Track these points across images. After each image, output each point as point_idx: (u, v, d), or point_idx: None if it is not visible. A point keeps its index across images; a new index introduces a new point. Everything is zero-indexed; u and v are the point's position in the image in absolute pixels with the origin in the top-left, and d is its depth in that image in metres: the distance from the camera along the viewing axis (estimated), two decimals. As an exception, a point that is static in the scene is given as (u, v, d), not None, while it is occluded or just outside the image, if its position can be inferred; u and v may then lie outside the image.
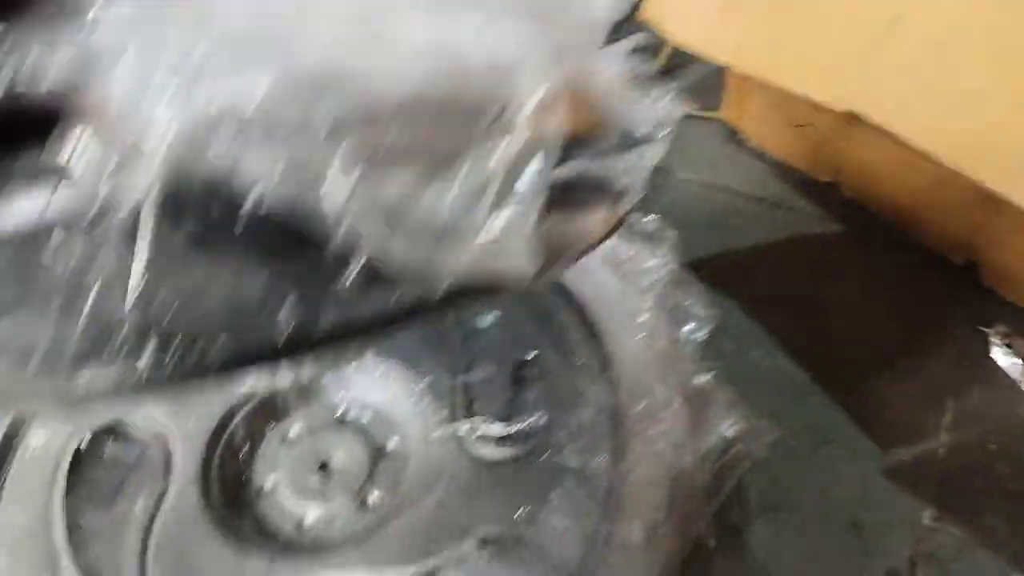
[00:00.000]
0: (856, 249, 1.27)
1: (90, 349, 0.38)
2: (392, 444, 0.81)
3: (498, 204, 0.39)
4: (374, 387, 0.84)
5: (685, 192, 1.35)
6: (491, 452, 0.73)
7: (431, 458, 0.75)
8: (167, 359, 0.38)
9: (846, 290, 1.21)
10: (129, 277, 0.37)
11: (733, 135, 1.44)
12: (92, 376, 0.39)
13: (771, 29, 1.19)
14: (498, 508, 0.67)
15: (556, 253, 0.45)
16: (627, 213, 0.56)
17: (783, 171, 1.37)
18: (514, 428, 0.74)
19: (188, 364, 0.39)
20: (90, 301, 0.37)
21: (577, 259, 0.50)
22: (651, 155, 0.56)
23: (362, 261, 0.39)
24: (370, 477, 0.77)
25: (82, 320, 0.37)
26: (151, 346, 0.38)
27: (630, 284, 0.78)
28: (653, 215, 0.85)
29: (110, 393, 0.39)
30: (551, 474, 0.68)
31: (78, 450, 0.76)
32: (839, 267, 1.25)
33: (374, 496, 0.76)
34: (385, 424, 0.82)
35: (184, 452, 0.76)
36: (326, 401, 0.84)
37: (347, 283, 0.39)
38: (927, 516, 0.95)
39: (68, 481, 0.74)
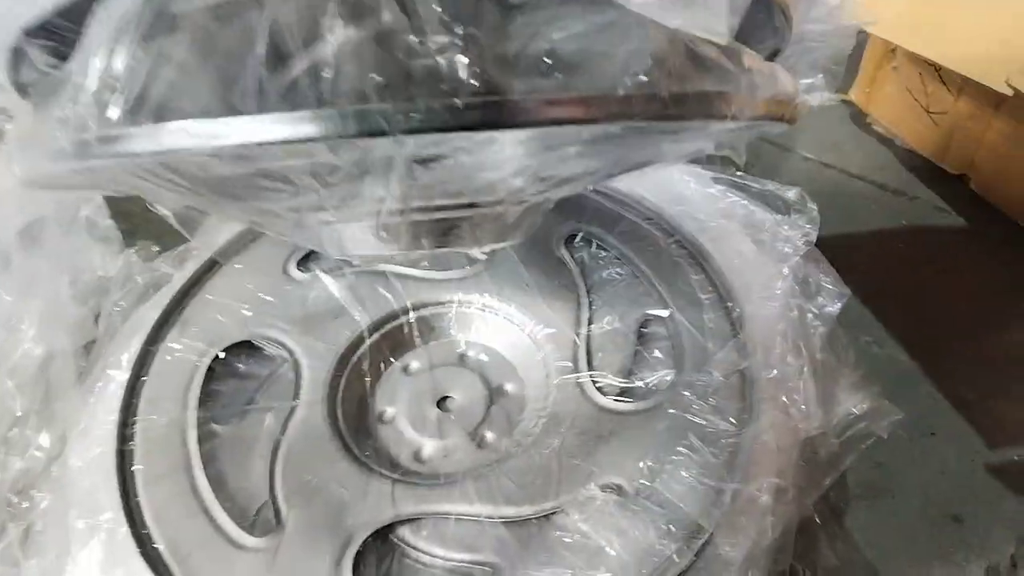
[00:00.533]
0: (977, 245, 1.23)
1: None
2: (510, 387, 0.83)
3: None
4: (496, 331, 0.86)
5: (806, 171, 1.32)
6: (613, 403, 0.74)
7: (551, 404, 0.77)
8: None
9: (963, 286, 1.18)
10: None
11: (861, 118, 1.40)
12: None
13: (935, 1, 1.14)
14: (621, 457, 0.68)
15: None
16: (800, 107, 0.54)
17: (910, 159, 1.33)
18: (638, 383, 0.75)
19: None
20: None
21: (757, 113, 0.47)
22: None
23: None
24: (486, 417, 0.79)
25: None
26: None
27: (767, 251, 0.78)
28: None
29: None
30: (677, 430, 0.68)
31: (214, 361, 0.80)
32: (958, 262, 1.22)
33: (490, 436, 0.78)
34: (505, 367, 0.84)
35: (312, 372, 0.79)
36: (448, 339, 0.87)
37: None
38: (1031, 518, 0.93)
39: (203, 391, 0.78)
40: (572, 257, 0.88)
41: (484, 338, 0.87)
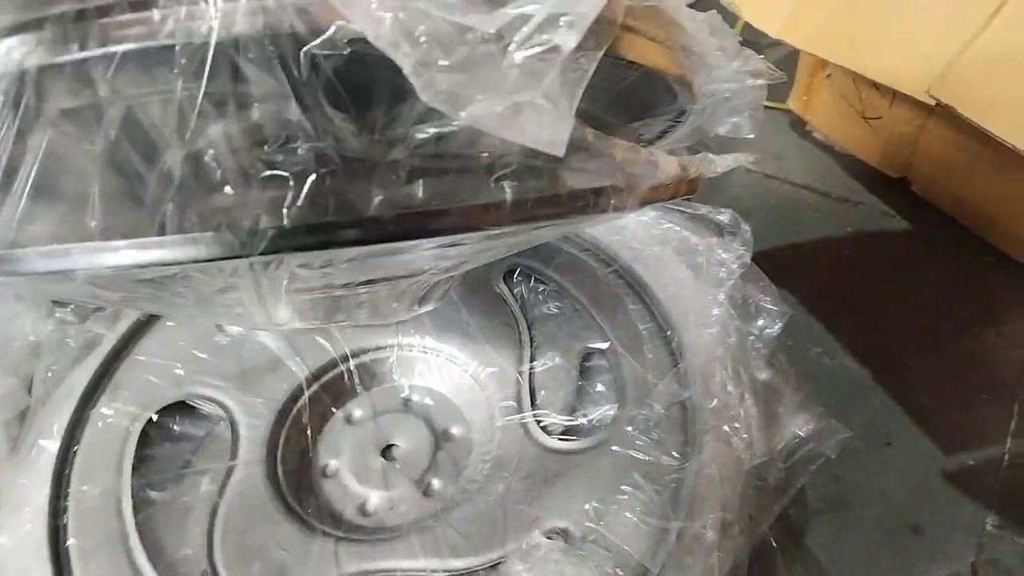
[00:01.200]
0: (923, 248, 1.24)
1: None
2: (456, 430, 0.81)
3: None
4: (440, 373, 0.84)
5: (750, 183, 1.33)
6: (558, 443, 0.73)
7: (496, 446, 0.75)
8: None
9: (912, 290, 1.18)
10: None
11: (801, 126, 1.41)
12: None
13: (856, 14, 1.15)
14: (566, 500, 0.67)
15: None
16: (696, 181, 0.55)
17: (851, 165, 1.34)
18: (581, 420, 0.74)
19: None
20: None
21: (642, 201, 0.47)
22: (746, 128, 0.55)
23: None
24: (433, 464, 0.78)
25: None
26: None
27: (703, 277, 0.77)
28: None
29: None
30: (621, 468, 0.67)
31: (148, 424, 0.77)
32: (905, 266, 1.22)
33: (436, 483, 0.76)
34: (450, 410, 0.82)
35: (250, 430, 0.77)
36: (391, 385, 0.85)
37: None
38: (990, 523, 0.93)
39: (137, 456, 0.75)
40: (511, 292, 0.87)
41: (428, 381, 0.85)
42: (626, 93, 0.50)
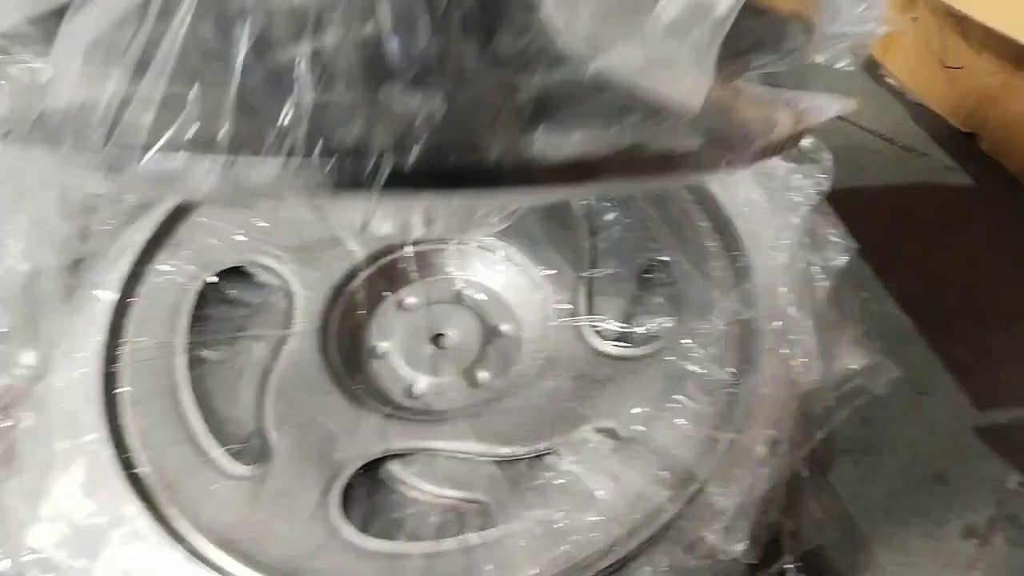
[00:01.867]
0: (983, 205, 1.22)
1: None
2: (507, 327, 0.81)
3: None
4: (494, 270, 0.84)
5: (815, 121, 1.30)
6: (612, 348, 0.73)
7: (547, 345, 0.76)
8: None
9: (966, 245, 1.17)
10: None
11: (875, 70, 1.37)
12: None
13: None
14: (615, 403, 0.68)
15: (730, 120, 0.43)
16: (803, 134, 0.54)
17: (920, 115, 1.31)
18: (637, 329, 0.74)
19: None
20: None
21: (753, 158, 0.47)
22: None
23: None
24: (481, 356, 0.78)
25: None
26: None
27: (777, 201, 0.76)
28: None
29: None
30: (674, 377, 0.67)
31: (205, 286, 0.78)
32: (963, 220, 1.20)
33: (484, 375, 0.77)
34: (502, 308, 0.83)
35: (306, 302, 0.77)
36: (445, 276, 0.85)
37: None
38: (1013, 481, 0.94)
39: (193, 315, 0.76)
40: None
41: (482, 277, 0.85)
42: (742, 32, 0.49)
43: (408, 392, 0.76)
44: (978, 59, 1.16)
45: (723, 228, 0.78)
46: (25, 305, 0.77)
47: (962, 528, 0.91)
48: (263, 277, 0.80)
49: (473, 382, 0.76)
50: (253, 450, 0.66)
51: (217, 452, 0.65)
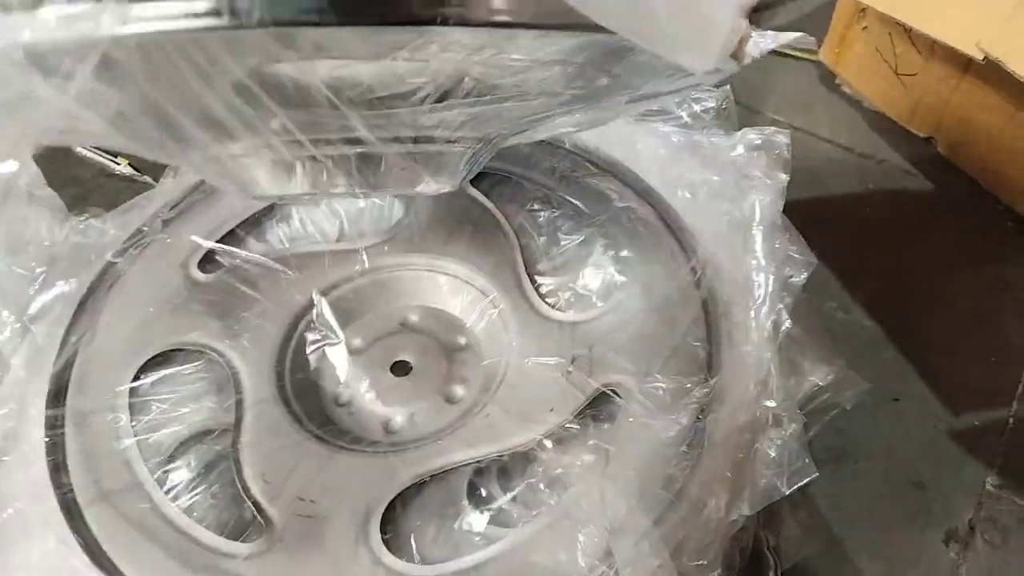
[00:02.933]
0: (944, 209, 1.23)
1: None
2: (462, 339, 0.81)
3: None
4: (433, 290, 0.84)
5: (774, 133, 1.31)
6: (564, 315, 0.74)
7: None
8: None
9: (929, 250, 1.18)
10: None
11: (830, 79, 1.38)
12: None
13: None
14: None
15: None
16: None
17: (878, 122, 1.32)
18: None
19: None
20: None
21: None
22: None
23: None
24: (450, 372, 0.78)
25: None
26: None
27: (737, 218, 0.76)
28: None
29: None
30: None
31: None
32: (924, 226, 1.21)
33: (459, 390, 0.76)
34: (450, 322, 0.82)
35: (253, 378, 0.74)
36: (384, 310, 0.84)
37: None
38: (991, 483, 0.94)
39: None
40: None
41: (422, 299, 0.84)
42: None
43: (387, 428, 0.74)
44: (929, 65, 1.17)
45: (683, 245, 0.78)
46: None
47: (943, 533, 0.91)
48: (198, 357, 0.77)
49: (452, 399, 0.76)
50: (244, 525, 0.65)
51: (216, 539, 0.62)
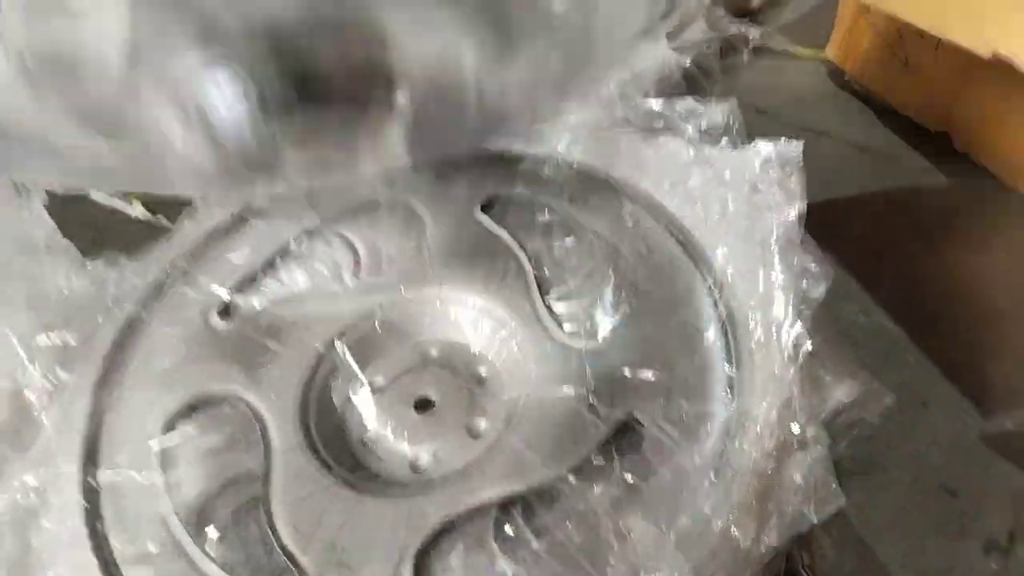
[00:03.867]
0: (962, 204, 1.21)
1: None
2: (483, 370, 0.80)
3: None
4: (447, 320, 0.83)
5: (783, 135, 1.29)
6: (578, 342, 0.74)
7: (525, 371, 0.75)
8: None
9: (950, 247, 1.16)
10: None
11: (839, 76, 1.36)
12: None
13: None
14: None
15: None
16: None
17: (891, 118, 1.30)
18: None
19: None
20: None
21: None
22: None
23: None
24: (472, 406, 0.77)
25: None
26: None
27: (751, 234, 0.75)
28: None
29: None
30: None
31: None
32: (943, 221, 1.19)
33: (482, 424, 0.76)
34: (469, 355, 0.82)
35: (278, 427, 0.74)
36: (404, 346, 0.84)
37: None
38: (1028, 486, 0.93)
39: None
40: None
41: (439, 333, 0.84)
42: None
43: (414, 467, 0.74)
44: (938, 57, 1.15)
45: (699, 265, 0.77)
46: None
47: (979, 540, 0.89)
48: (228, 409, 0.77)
49: (476, 434, 0.75)
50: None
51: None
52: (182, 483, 0.70)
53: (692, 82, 0.93)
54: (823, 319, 0.83)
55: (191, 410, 0.76)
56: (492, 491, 0.65)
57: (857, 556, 0.87)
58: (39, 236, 0.85)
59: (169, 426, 0.74)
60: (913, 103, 1.27)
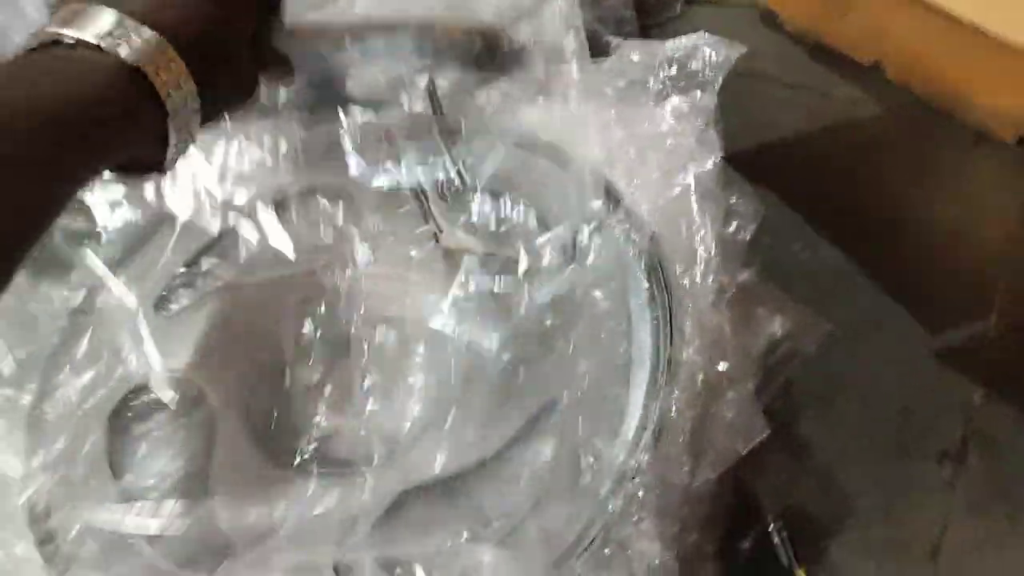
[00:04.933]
0: (899, 133, 1.22)
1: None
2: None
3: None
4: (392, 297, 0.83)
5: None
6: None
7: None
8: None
9: (890, 176, 1.17)
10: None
11: (772, 20, 1.37)
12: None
13: None
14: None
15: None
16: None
17: (822, 55, 1.30)
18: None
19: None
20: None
21: None
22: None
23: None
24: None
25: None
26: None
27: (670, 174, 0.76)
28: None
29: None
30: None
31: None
32: (881, 152, 1.20)
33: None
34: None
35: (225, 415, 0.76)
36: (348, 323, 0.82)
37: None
38: (978, 397, 0.95)
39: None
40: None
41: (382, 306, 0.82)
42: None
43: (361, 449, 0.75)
44: (862, -8, 1.16)
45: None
46: None
47: (936, 454, 0.92)
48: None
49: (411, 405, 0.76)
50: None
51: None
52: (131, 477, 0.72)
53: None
54: (766, 258, 0.85)
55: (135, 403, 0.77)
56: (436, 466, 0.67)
57: (817, 481, 0.89)
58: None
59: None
60: (845, 37, 1.28)
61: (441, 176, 0.76)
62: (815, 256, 1.08)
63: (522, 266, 0.72)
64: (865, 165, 1.19)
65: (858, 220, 1.11)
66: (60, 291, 0.83)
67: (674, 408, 0.61)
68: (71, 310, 0.82)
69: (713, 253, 0.72)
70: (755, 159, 1.13)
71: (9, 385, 0.76)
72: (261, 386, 0.78)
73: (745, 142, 1.19)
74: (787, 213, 1.11)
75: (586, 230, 0.71)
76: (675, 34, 0.97)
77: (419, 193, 0.78)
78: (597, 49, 0.90)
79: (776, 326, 0.71)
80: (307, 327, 0.79)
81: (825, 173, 1.18)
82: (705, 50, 0.80)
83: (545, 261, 0.72)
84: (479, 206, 0.77)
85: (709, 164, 0.77)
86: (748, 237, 0.77)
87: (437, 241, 0.77)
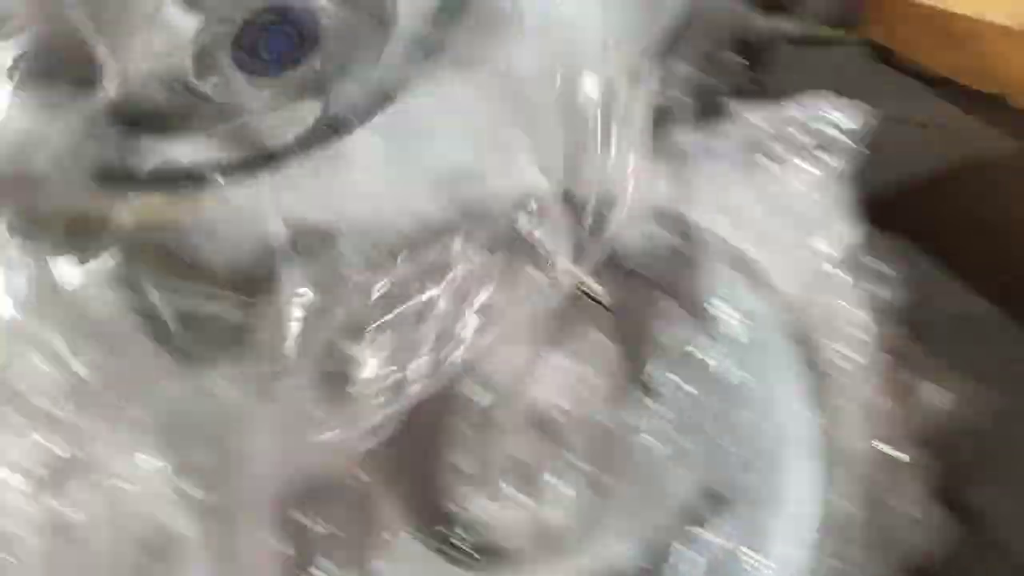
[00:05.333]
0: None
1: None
2: None
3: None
4: None
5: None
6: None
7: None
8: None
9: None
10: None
11: (884, 55, 1.30)
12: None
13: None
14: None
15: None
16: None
17: (944, 87, 1.23)
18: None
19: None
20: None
21: None
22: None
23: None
24: None
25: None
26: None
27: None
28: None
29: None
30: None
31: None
32: (1020, 185, 1.12)
33: None
34: None
35: None
36: None
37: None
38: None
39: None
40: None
41: None
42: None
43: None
44: (980, 25, 1.10)
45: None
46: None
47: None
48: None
49: None
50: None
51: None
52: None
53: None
54: (914, 319, 0.78)
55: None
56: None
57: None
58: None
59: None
60: (965, 68, 1.21)
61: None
62: (964, 310, 1.00)
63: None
64: (1006, 200, 1.10)
65: (1006, 263, 1.03)
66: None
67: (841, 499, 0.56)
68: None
69: (862, 321, 0.66)
70: (884, 206, 1.06)
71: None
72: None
73: (872, 188, 1.11)
74: (926, 263, 1.03)
75: (723, 305, 0.67)
76: (785, 79, 0.93)
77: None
78: (711, 109, 0.87)
79: (940, 398, 0.65)
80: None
81: (964, 213, 1.10)
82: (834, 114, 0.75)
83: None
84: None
85: (847, 228, 0.71)
86: (895, 298, 0.71)
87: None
